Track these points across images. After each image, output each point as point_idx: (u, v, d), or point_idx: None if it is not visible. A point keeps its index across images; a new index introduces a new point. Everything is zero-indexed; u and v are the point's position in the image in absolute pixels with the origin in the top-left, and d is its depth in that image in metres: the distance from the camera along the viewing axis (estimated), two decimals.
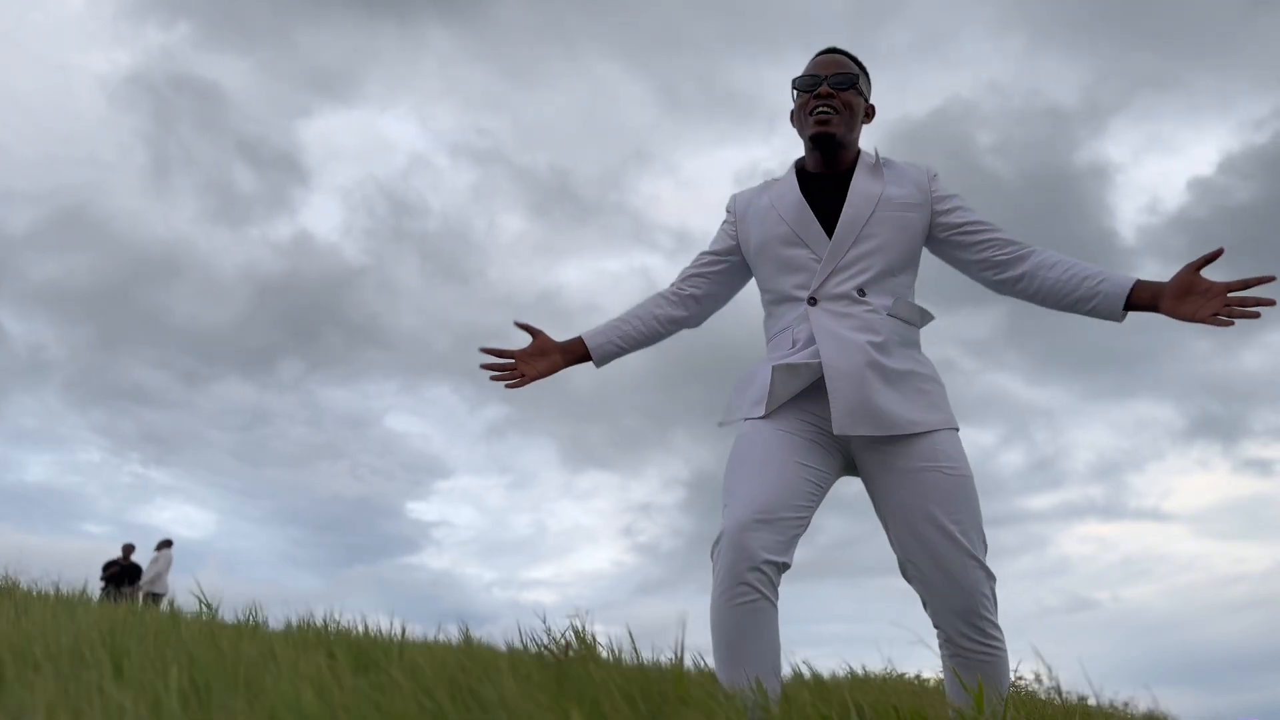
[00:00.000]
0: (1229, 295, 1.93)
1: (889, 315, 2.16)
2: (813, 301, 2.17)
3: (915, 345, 2.21)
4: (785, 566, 1.99)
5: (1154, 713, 5.65)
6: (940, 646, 2.10)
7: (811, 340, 2.14)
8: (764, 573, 1.93)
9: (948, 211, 2.24)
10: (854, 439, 2.11)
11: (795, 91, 2.31)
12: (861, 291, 2.16)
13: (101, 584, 13.02)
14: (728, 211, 2.42)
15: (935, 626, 2.09)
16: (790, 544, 2.00)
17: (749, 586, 1.92)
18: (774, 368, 2.13)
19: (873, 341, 2.11)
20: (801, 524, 2.03)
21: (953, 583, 2.02)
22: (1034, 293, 2.17)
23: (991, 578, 2.07)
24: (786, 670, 2.02)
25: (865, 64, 2.34)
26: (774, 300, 2.26)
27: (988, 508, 2.15)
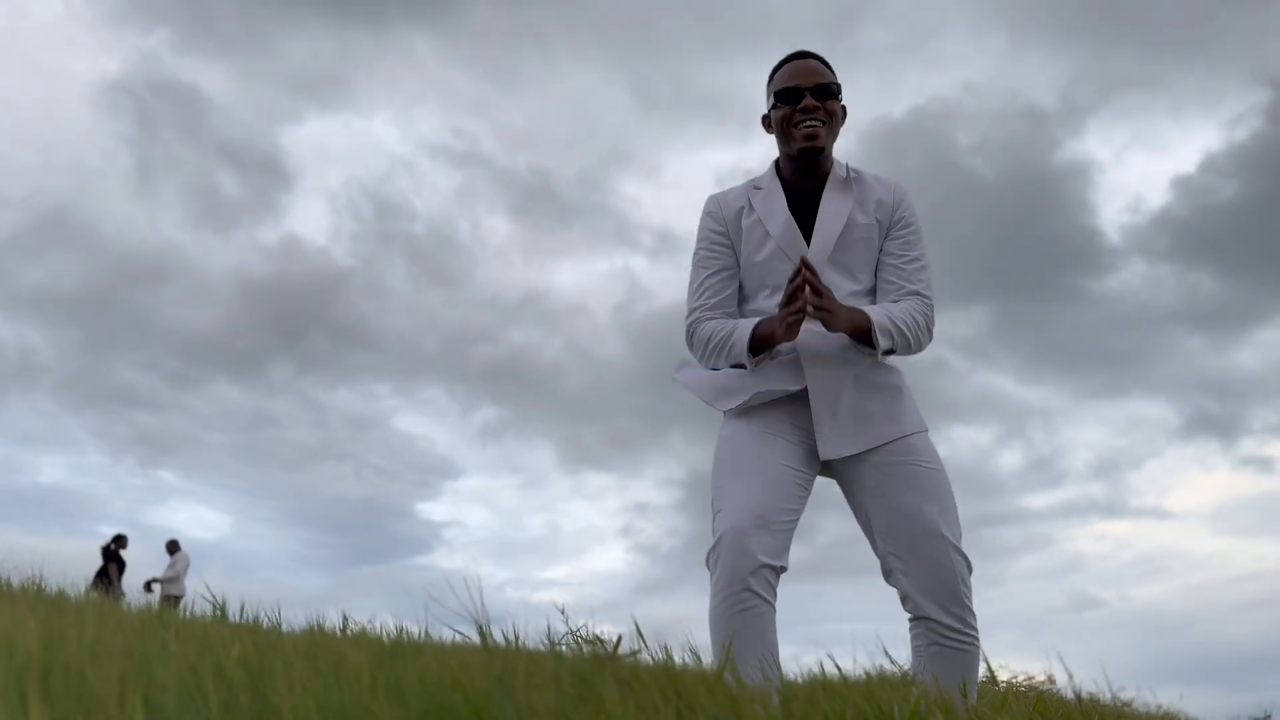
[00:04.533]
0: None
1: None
2: None
3: (881, 360, 2.25)
4: (783, 569, 2.04)
5: (1170, 711, 5.65)
6: (915, 639, 2.12)
7: (793, 351, 2.17)
8: (764, 577, 1.99)
9: (894, 232, 2.25)
10: None
11: (775, 102, 2.25)
12: None
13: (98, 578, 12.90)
14: (710, 218, 2.31)
15: (916, 619, 2.11)
16: (785, 547, 2.06)
17: (750, 591, 1.97)
18: (755, 393, 2.15)
19: (853, 360, 2.17)
20: (794, 526, 2.10)
21: (936, 570, 2.06)
22: None
23: (969, 566, 2.11)
24: (804, 669, 2.06)
25: (843, 64, 2.33)
26: (755, 311, 2.25)
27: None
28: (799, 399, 2.17)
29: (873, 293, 2.26)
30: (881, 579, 2.16)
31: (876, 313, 2.14)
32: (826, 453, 2.14)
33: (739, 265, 2.28)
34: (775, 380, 2.16)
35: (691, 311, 2.27)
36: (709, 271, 2.29)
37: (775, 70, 2.31)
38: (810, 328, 2.13)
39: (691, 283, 2.30)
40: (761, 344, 2.14)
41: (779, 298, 2.14)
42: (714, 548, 2.03)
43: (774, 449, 2.12)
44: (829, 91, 2.22)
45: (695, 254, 2.33)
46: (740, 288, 2.29)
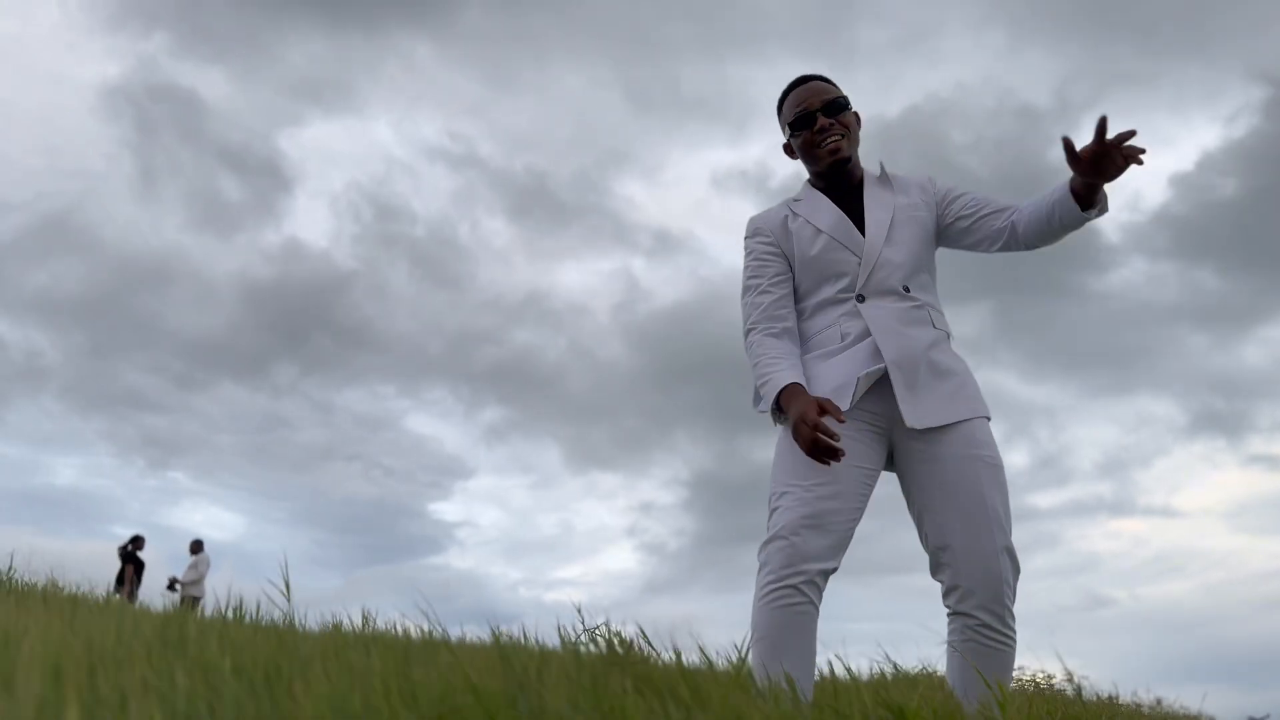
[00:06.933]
0: (1115, 142, 1.99)
1: (930, 309, 2.27)
2: (861, 299, 2.23)
3: (949, 340, 2.30)
4: (833, 571, 2.05)
5: (1189, 711, 5.62)
6: (952, 634, 2.12)
7: (864, 334, 2.20)
8: (812, 579, 2.00)
9: (948, 201, 2.37)
10: (899, 428, 2.17)
11: (791, 131, 2.37)
12: (906, 288, 2.26)
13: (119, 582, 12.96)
14: (757, 235, 2.38)
15: (956, 614, 2.11)
16: (841, 548, 2.07)
17: (796, 590, 1.99)
18: (859, 379, 2.14)
19: (923, 334, 2.21)
20: (853, 526, 2.10)
21: (985, 568, 2.07)
22: (1027, 237, 2.25)
23: (1016, 569, 2.11)
24: (818, 668, 2.06)
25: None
26: (816, 308, 2.29)
27: None
28: (873, 388, 2.18)
29: (925, 270, 2.33)
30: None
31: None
32: (913, 420, 2.13)
33: (793, 269, 2.34)
34: (861, 364, 2.17)
35: (748, 329, 2.31)
36: (759, 289, 2.33)
37: (781, 101, 2.41)
38: (878, 304, 2.21)
39: (744, 302, 2.35)
40: (781, 406, 2.13)
41: (841, 284, 2.24)
42: (767, 543, 2.05)
43: (842, 445, 2.09)
44: (838, 106, 2.33)
45: (745, 278, 2.38)
46: (797, 288, 2.34)
